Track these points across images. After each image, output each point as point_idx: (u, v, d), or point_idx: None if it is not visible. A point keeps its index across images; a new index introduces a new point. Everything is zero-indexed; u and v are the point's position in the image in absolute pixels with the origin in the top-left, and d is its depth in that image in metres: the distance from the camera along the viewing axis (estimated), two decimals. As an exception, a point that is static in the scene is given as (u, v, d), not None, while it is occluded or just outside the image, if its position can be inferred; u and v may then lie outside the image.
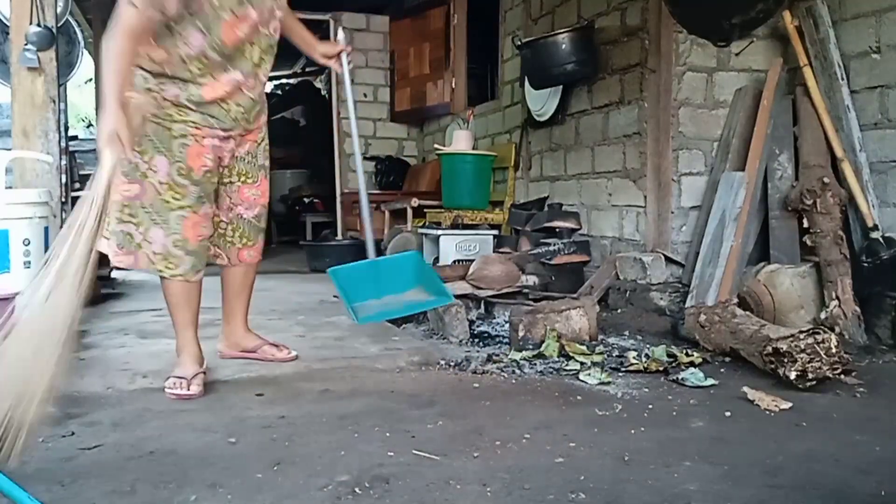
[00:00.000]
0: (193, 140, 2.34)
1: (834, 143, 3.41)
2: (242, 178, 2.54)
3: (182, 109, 2.31)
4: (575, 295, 3.82)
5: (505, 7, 5.91)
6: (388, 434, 1.96)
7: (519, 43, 4.67)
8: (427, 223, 5.58)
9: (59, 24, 3.47)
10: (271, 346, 2.73)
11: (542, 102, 5.03)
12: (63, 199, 3.49)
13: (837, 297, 3.13)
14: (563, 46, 4.36)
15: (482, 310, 3.67)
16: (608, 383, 2.49)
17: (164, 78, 2.29)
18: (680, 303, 3.59)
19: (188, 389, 2.32)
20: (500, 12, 5.98)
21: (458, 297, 3.48)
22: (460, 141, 5.54)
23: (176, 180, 2.33)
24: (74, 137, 8.34)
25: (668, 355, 2.78)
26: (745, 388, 2.33)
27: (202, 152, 2.36)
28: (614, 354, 2.90)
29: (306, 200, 8.70)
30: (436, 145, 6.03)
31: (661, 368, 2.65)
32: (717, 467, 1.73)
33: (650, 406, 2.24)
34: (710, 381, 2.48)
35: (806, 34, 3.60)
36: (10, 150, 3.23)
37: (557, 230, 4.50)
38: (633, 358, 2.76)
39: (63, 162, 3.53)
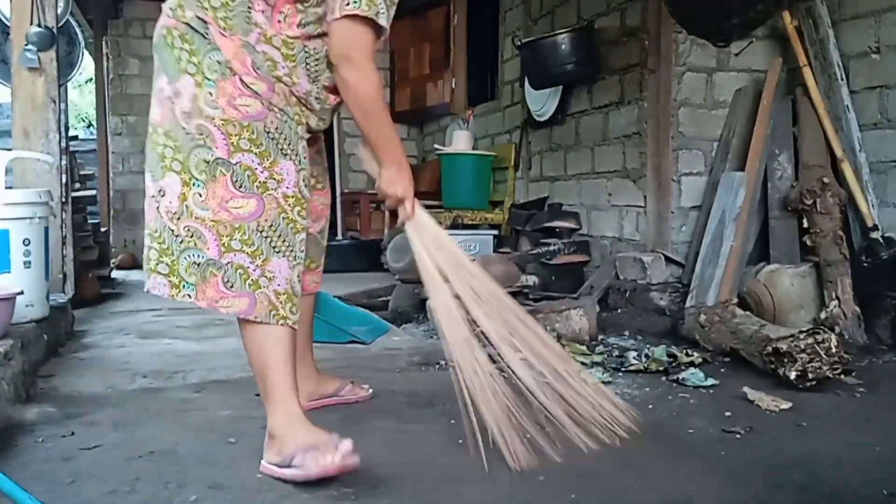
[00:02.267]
0: (305, 142, 1.86)
1: (833, 143, 3.41)
2: (313, 183, 2.04)
3: (304, 110, 1.82)
4: (575, 295, 3.82)
5: (505, 7, 5.91)
6: (388, 434, 1.96)
7: (519, 43, 4.68)
8: (427, 223, 5.57)
9: (59, 25, 3.46)
10: (352, 384, 2.31)
11: (542, 102, 5.03)
12: (63, 199, 3.49)
13: (837, 297, 3.13)
14: (563, 47, 4.36)
15: (482, 310, 3.66)
16: (608, 383, 2.49)
17: (298, 67, 1.77)
18: (680, 303, 3.59)
19: (344, 456, 1.60)
20: (500, 12, 5.99)
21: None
22: (460, 141, 5.54)
23: (303, 193, 1.79)
24: (75, 137, 8.36)
25: (668, 355, 2.78)
26: (745, 388, 2.33)
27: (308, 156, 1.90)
28: (614, 354, 2.90)
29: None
30: (436, 145, 6.04)
31: (661, 368, 2.65)
32: (718, 467, 1.73)
33: (650, 406, 2.24)
34: (711, 381, 2.48)
35: (805, 34, 3.60)
36: (10, 150, 3.22)
37: (557, 230, 4.50)
38: (634, 358, 2.76)
39: (63, 162, 3.52)
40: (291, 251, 1.76)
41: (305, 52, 1.76)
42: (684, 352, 2.83)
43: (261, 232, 1.71)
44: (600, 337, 3.18)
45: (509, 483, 1.63)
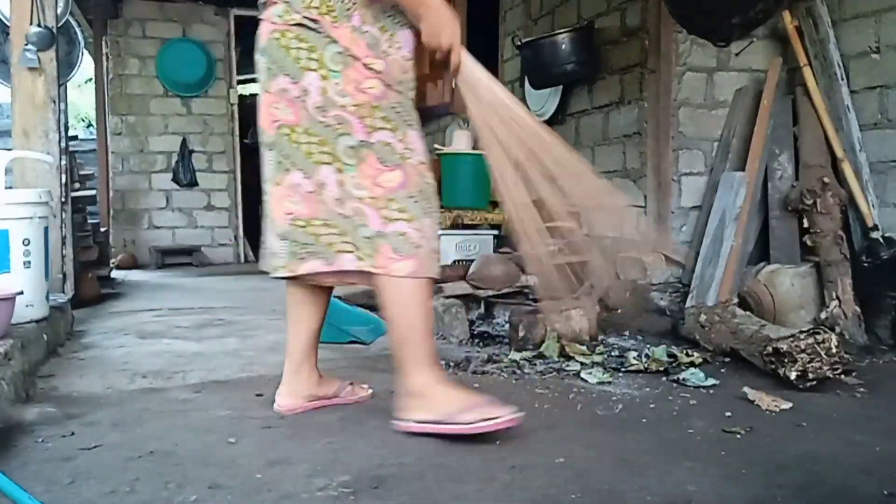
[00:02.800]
0: None
1: (834, 143, 3.41)
2: None
3: (411, 75, 1.96)
4: (575, 295, 3.82)
5: (505, 7, 5.91)
6: (388, 434, 1.96)
7: (519, 43, 4.67)
8: (427, 223, 5.57)
9: (59, 25, 3.46)
10: (351, 385, 2.28)
11: (542, 102, 5.03)
12: (63, 199, 3.49)
13: (837, 297, 3.13)
14: (563, 46, 4.35)
15: (482, 310, 3.67)
16: (608, 383, 2.49)
17: (397, 25, 1.90)
18: (680, 303, 3.59)
19: (511, 413, 1.86)
20: (500, 12, 5.98)
21: (458, 297, 3.48)
22: (460, 141, 5.53)
23: (428, 159, 1.96)
24: (74, 137, 8.36)
25: (669, 355, 2.78)
26: (746, 389, 2.32)
27: None
28: (614, 354, 2.90)
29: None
30: (436, 145, 6.02)
31: (661, 368, 2.65)
32: (717, 467, 1.73)
33: (650, 406, 2.24)
34: (711, 382, 2.48)
35: (805, 34, 3.60)
36: (10, 150, 3.23)
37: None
38: (634, 358, 2.76)
39: (63, 162, 3.53)
40: (436, 212, 1.93)
41: (391, 15, 1.89)
42: (684, 352, 2.83)
43: (411, 198, 1.88)
44: (600, 337, 3.18)
45: (509, 483, 1.63)
